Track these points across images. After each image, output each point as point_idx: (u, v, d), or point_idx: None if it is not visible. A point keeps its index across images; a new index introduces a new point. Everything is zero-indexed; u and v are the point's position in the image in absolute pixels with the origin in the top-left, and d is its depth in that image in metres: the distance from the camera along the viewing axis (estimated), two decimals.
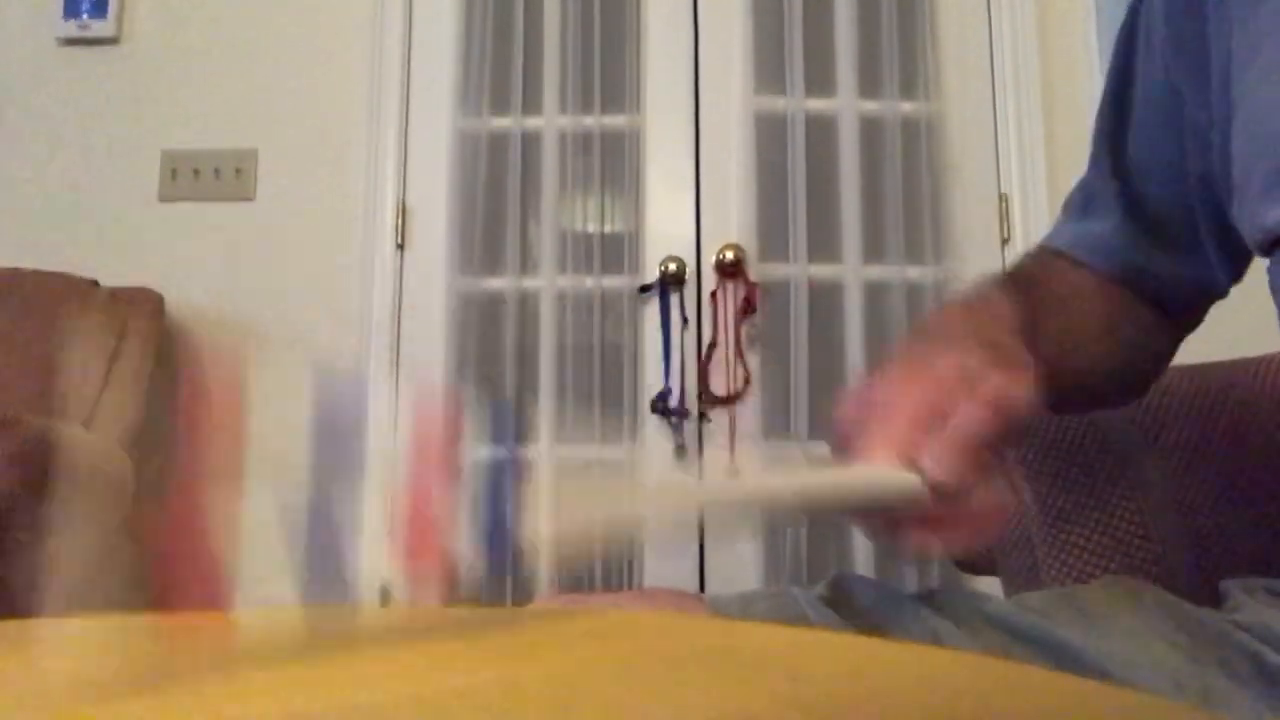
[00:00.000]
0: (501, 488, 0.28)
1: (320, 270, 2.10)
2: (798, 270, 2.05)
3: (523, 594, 1.96)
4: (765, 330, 2.04)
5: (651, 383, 2.01)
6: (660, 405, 2.00)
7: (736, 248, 2.05)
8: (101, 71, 2.18)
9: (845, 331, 2.04)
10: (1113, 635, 0.45)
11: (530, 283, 2.07)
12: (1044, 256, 0.66)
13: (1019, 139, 2.09)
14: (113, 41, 2.18)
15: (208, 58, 2.18)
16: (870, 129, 2.11)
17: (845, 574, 0.51)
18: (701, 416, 2.00)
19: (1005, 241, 2.07)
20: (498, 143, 2.12)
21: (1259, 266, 0.54)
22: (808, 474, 0.40)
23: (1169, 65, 0.56)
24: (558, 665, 0.26)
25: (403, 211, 2.11)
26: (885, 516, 0.43)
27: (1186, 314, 0.64)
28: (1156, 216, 0.60)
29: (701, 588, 1.94)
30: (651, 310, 2.05)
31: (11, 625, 0.31)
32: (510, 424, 0.29)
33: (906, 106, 2.11)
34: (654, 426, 2.00)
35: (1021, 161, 2.08)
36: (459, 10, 2.17)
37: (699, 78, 2.14)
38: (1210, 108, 0.53)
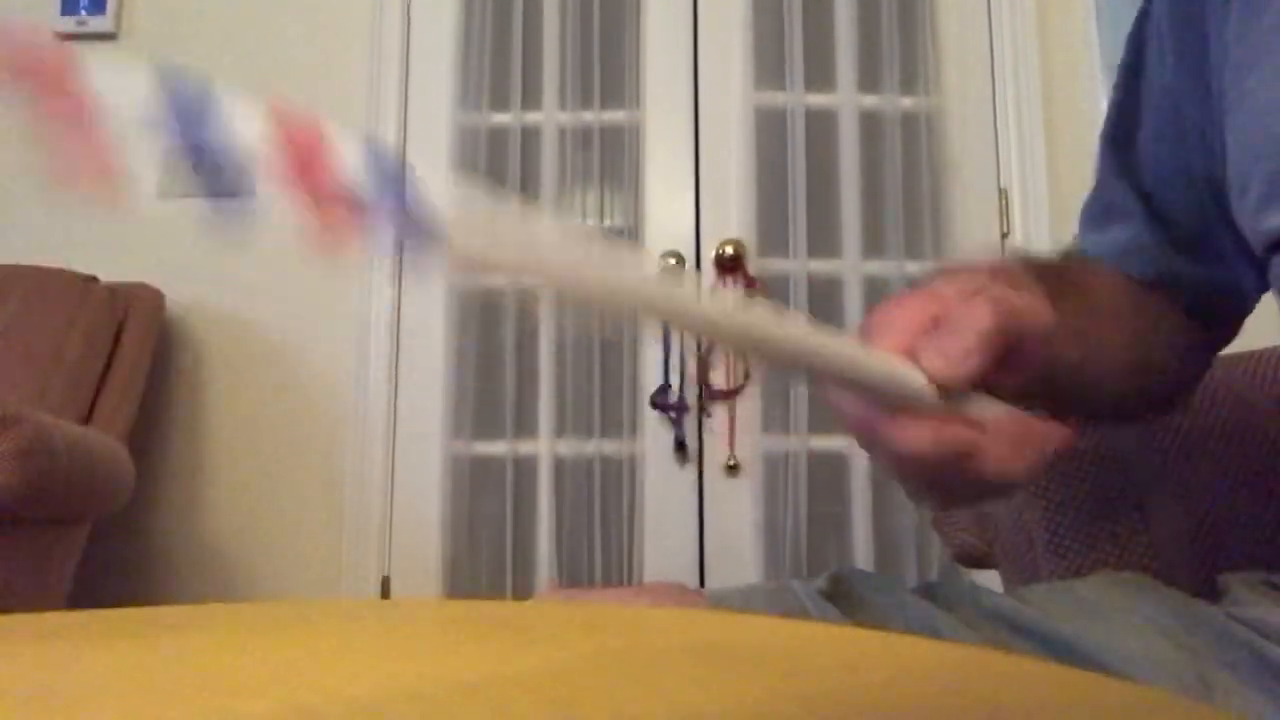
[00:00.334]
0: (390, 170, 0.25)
1: (320, 266, 2.09)
2: (797, 265, 2.05)
3: (522, 589, 1.96)
4: None
5: (651, 378, 2.01)
6: (660, 400, 2.00)
7: (736, 243, 2.04)
8: None
9: (845, 327, 2.04)
10: (1112, 629, 0.45)
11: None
12: (1070, 257, 0.63)
13: (1019, 134, 2.09)
14: (110, 37, 2.18)
15: (207, 53, 2.17)
16: (870, 124, 2.11)
17: (845, 568, 0.51)
18: (701, 411, 2.00)
19: (1005, 236, 2.07)
20: (497, 138, 2.12)
21: None
22: (820, 333, 0.35)
23: (1171, 72, 0.55)
24: (556, 659, 0.26)
25: None
26: (887, 409, 0.39)
27: (1217, 323, 0.62)
28: (1174, 222, 0.59)
29: (701, 582, 1.94)
30: None
31: (12, 619, 0.31)
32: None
33: (906, 101, 2.11)
34: (654, 421, 2.01)
35: (1021, 157, 2.08)
36: (458, 6, 2.17)
37: (698, 73, 2.13)
38: (1209, 111, 0.53)
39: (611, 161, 2.12)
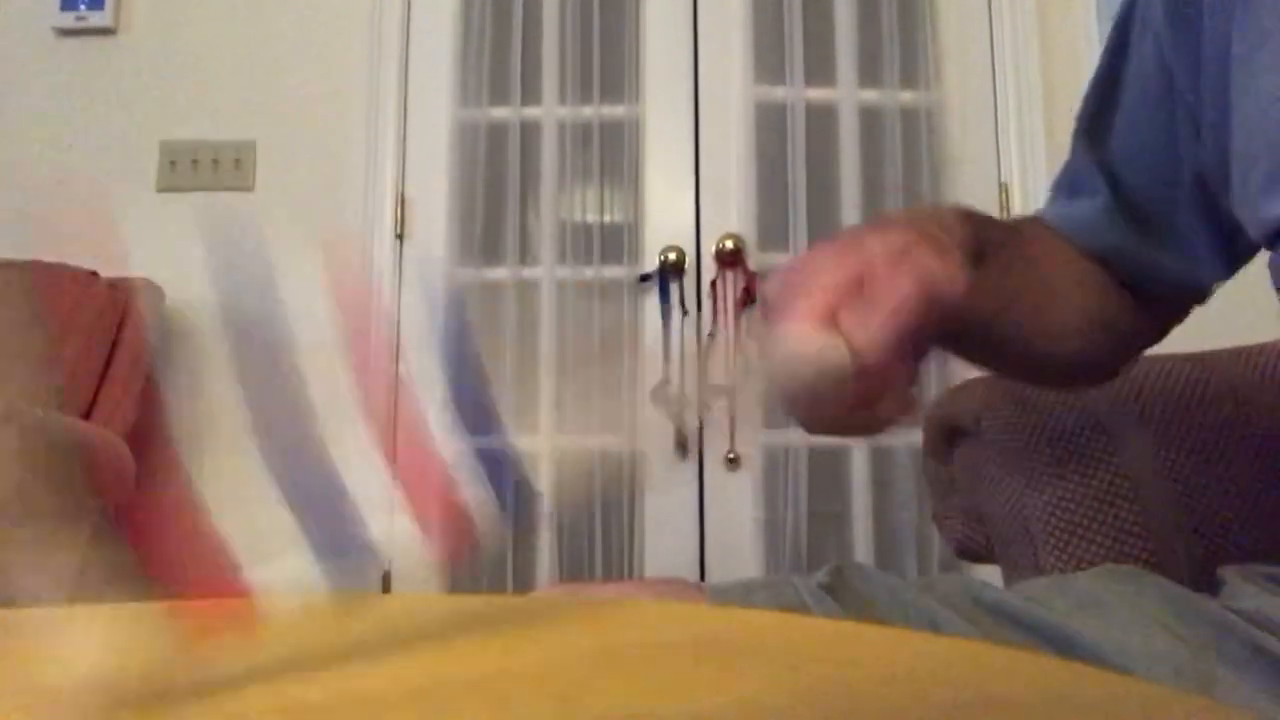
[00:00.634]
0: (489, 429, 0.29)
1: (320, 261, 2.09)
2: None
3: (523, 584, 1.96)
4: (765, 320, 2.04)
5: (651, 373, 2.01)
6: (660, 395, 2.00)
7: (736, 237, 2.04)
8: (99, 62, 2.17)
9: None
10: (1111, 623, 0.46)
11: (530, 273, 2.07)
12: (1025, 218, 0.65)
13: (1019, 128, 2.09)
14: (110, 32, 2.17)
15: (206, 48, 2.17)
16: (870, 118, 2.10)
17: (845, 562, 0.51)
18: (701, 406, 2.00)
19: None
20: (497, 133, 2.11)
21: (1257, 257, 0.54)
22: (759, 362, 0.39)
23: (1166, 53, 0.55)
24: (558, 654, 0.26)
25: (402, 202, 2.10)
26: (810, 392, 0.41)
27: (1166, 306, 0.63)
28: (1139, 204, 0.59)
29: (702, 576, 1.94)
30: (651, 300, 2.05)
31: (11, 615, 0.31)
32: (477, 399, 0.28)
33: (906, 96, 2.11)
34: (654, 416, 2.01)
35: (1022, 151, 2.08)
36: (458, 1, 2.16)
37: (698, 67, 2.13)
38: (1201, 96, 0.53)
39: (611, 156, 2.11)
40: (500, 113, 2.12)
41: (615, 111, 2.12)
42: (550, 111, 2.11)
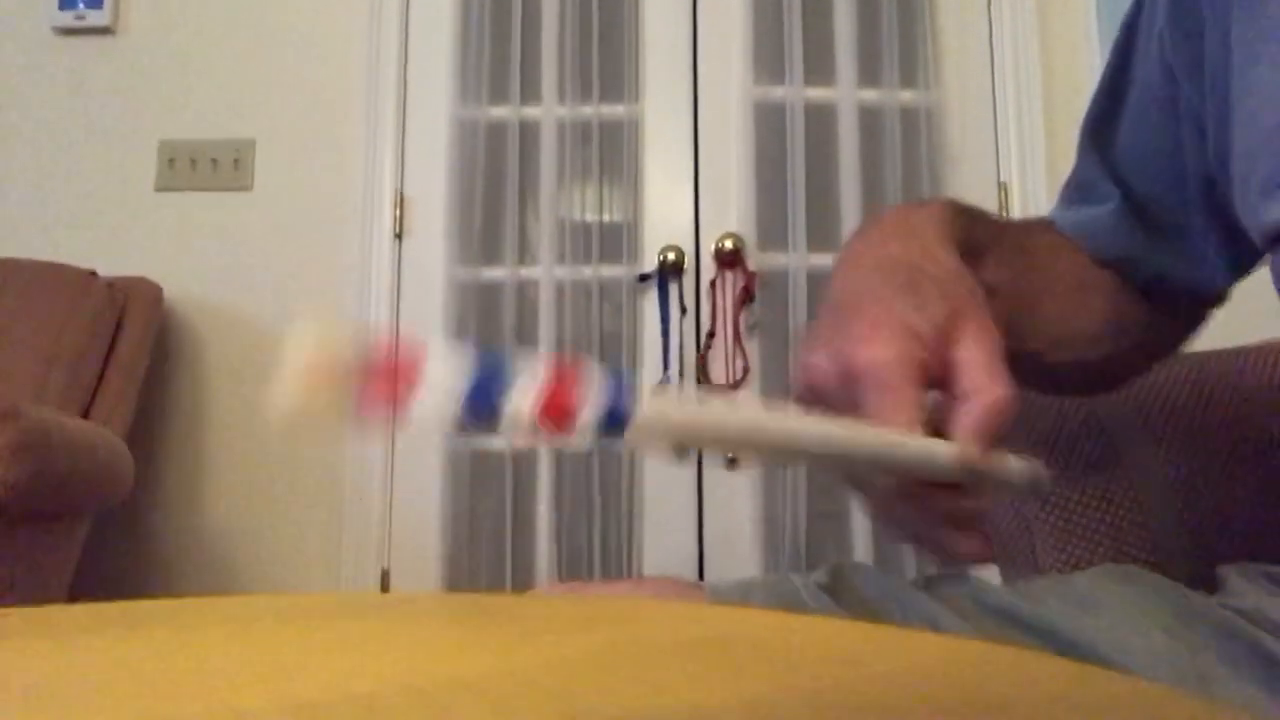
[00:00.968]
0: (619, 390, 0.33)
1: (319, 260, 2.09)
2: (796, 259, 2.05)
3: (522, 582, 1.96)
4: (764, 319, 2.04)
5: (651, 372, 2.01)
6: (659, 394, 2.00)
7: (735, 237, 2.04)
8: (98, 61, 2.17)
9: None
10: (1110, 622, 0.46)
11: (529, 272, 2.07)
12: (1034, 221, 0.64)
13: (1018, 128, 2.09)
14: (109, 31, 2.17)
15: (205, 47, 2.17)
16: (869, 118, 2.10)
17: (844, 561, 0.51)
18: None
19: None
20: (496, 132, 2.11)
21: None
22: (849, 426, 0.37)
23: (1169, 55, 0.55)
24: (556, 653, 0.26)
25: (401, 201, 2.10)
26: (908, 484, 0.40)
27: (1182, 311, 0.62)
28: (1148, 208, 0.59)
29: (700, 575, 1.94)
30: (650, 299, 2.05)
31: (12, 614, 0.31)
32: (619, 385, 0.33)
33: (906, 95, 2.11)
34: None
35: (1021, 150, 2.08)
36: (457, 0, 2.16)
37: (698, 67, 2.13)
38: (1204, 99, 0.52)
39: (610, 156, 2.11)
40: (499, 112, 2.12)
41: (614, 111, 2.12)
42: (549, 111, 2.11)
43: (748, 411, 0.36)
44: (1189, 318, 0.63)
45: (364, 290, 2.06)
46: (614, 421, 0.32)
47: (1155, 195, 0.58)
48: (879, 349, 0.40)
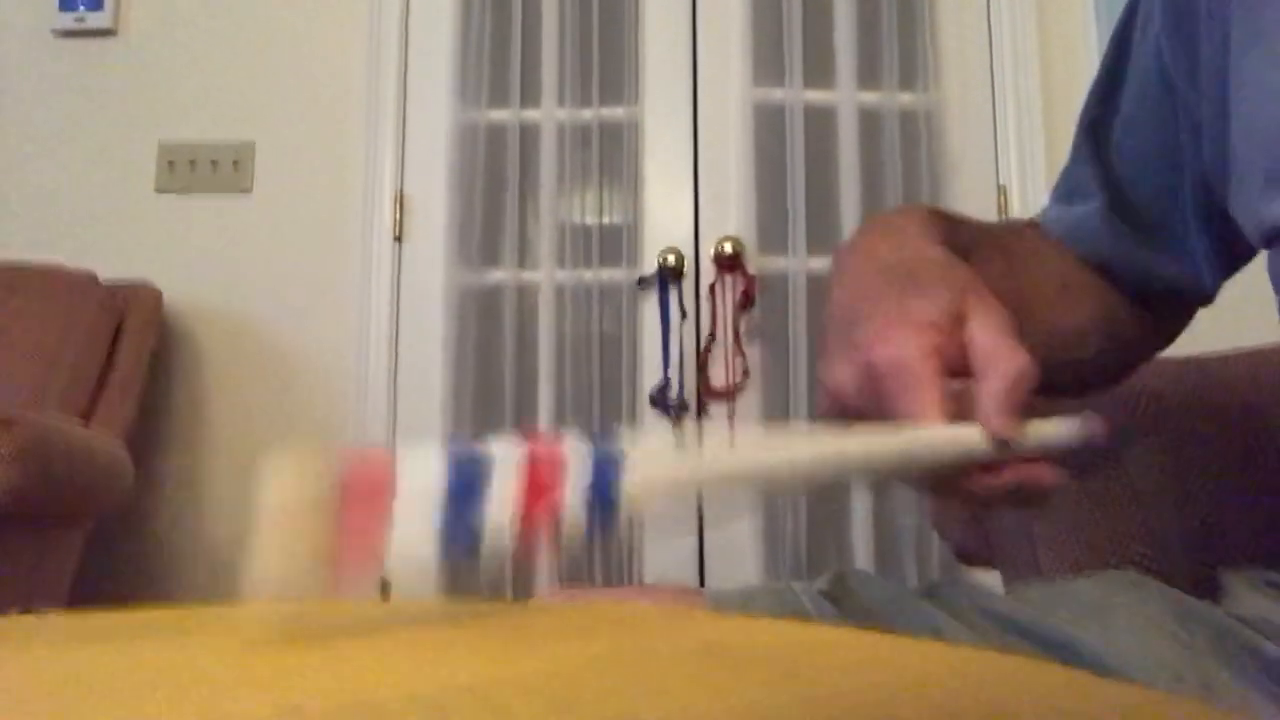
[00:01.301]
0: (603, 464, 0.31)
1: (318, 263, 2.09)
2: (796, 263, 2.05)
3: (523, 590, 1.96)
4: (764, 323, 2.04)
5: (650, 376, 2.01)
6: (659, 398, 2.00)
7: (735, 240, 2.04)
8: (98, 64, 2.17)
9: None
10: (1112, 628, 0.45)
11: (529, 275, 2.07)
12: (1019, 223, 0.64)
13: (1018, 131, 2.09)
14: (109, 33, 2.18)
15: (205, 49, 2.17)
16: (869, 121, 2.11)
17: (846, 569, 0.51)
18: (700, 409, 2.00)
19: None
20: (496, 135, 2.11)
21: (1258, 257, 0.54)
22: (867, 439, 0.37)
23: (1164, 55, 0.55)
24: (557, 660, 0.25)
25: (401, 204, 2.10)
26: (943, 475, 0.41)
27: (1168, 310, 0.62)
28: (1138, 206, 0.59)
29: (701, 582, 1.94)
30: (650, 303, 2.05)
31: (10, 620, 0.31)
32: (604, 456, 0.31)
33: (905, 98, 2.11)
34: (653, 420, 2.00)
35: (1020, 153, 2.08)
36: (457, 2, 2.16)
37: (697, 69, 2.13)
38: (1200, 98, 0.52)
39: (610, 158, 2.11)
40: (499, 114, 2.12)
41: (614, 113, 2.12)
42: (549, 113, 2.11)
43: (745, 448, 0.35)
44: (1176, 317, 0.63)
45: (363, 293, 2.06)
46: (604, 502, 0.31)
47: (1147, 192, 0.58)
48: (896, 347, 0.40)
